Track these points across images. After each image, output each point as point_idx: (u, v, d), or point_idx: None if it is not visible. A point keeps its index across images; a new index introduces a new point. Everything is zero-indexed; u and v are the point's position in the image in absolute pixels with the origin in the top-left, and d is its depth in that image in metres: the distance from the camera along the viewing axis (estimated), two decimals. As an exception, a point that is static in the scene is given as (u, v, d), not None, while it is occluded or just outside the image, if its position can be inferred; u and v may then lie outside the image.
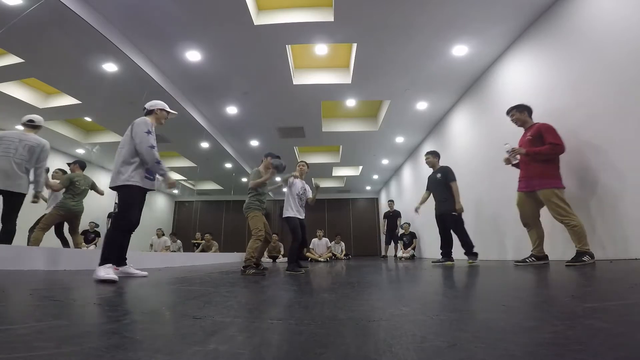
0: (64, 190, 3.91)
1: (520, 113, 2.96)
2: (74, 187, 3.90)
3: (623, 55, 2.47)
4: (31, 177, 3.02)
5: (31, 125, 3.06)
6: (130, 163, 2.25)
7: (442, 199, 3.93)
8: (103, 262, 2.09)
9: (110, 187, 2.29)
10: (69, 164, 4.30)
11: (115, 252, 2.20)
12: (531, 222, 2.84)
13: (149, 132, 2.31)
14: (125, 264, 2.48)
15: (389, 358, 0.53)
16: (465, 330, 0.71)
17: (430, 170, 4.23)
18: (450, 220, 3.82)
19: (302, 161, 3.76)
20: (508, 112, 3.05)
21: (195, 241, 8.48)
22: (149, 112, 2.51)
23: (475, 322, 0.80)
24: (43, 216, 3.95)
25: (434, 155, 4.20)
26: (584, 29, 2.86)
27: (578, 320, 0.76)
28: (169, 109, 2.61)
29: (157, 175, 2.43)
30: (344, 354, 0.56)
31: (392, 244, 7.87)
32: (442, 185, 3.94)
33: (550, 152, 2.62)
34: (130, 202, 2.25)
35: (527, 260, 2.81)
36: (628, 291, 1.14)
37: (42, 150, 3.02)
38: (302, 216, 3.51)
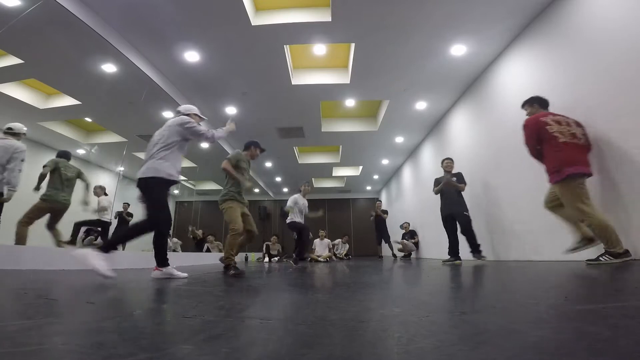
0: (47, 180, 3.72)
1: (530, 107, 2.79)
2: (59, 176, 3.73)
3: (622, 54, 2.46)
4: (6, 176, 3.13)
5: (10, 133, 3.27)
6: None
7: (457, 201, 4.14)
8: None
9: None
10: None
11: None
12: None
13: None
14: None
15: (371, 360, 0.53)
16: (452, 332, 0.71)
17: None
18: (465, 219, 4.01)
19: (307, 182, 5.27)
20: (522, 107, 2.90)
21: (193, 234, 8.61)
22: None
23: (464, 324, 0.80)
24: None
25: (453, 161, 4.47)
26: (583, 28, 2.85)
27: (567, 324, 0.75)
28: (201, 115, 2.69)
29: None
30: (327, 354, 0.56)
31: (384, 243, 7.95)
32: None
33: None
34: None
35: (600, 258, 2.22)
36: (621, 293, 1.14)
37: (15, 152, 3.16)
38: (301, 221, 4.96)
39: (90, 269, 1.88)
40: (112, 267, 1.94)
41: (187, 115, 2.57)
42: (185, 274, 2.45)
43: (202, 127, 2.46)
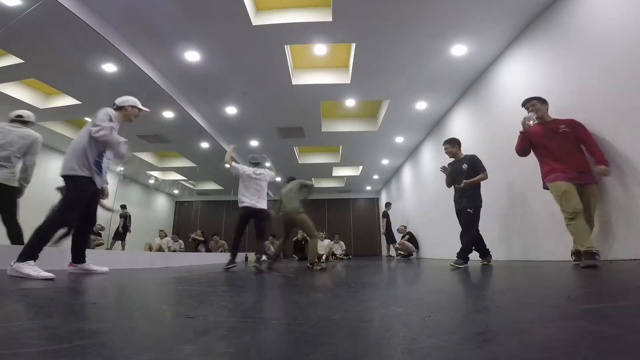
0: None
1: (542, 104, 2.77)
2: None
3: (622, 54, 2.46)
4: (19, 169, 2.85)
5: (20, 121, 2.90)
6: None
7: (465, 193, 3.36)
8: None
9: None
10: None
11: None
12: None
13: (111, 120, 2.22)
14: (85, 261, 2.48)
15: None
16: (456, 331, 0.71)
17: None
18: (466, 217, 3.29)
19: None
20: (526, 102, 2.81)
21: (195, 237, 8.56)
22: (119, 109, 2.40)
23: (467, 324, 0.80)
24: None
25: (452, 144, 3.65)
26: (583, 28, 2.85)
27: (571, 322, 0.75)
28: (140, 106, 2.51)
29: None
30: (331, 354, 0.56)
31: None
32: (469, 177, 3.35)
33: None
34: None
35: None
36: (623, 292, 1.14)
37: (33, 143, 2.85)
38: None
39: (26, 277, 1.83)
40: (93, 265, 1.98)
41: (122, 108, 2.37)
42: (106, 268, 2.46)
43: (114, 134, 2.18)
